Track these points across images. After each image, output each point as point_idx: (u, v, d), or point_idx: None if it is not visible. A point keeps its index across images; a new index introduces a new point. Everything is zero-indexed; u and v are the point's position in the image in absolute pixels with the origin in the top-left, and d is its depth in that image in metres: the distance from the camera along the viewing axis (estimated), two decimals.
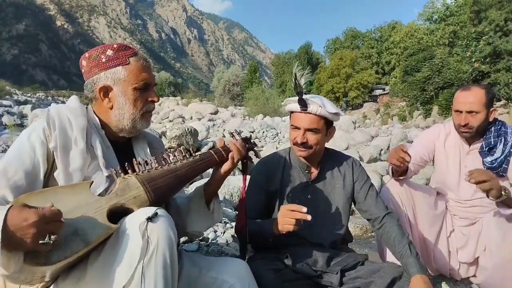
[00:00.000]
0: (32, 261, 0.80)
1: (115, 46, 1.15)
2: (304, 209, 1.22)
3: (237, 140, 1.27)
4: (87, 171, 1.07)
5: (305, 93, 1.46)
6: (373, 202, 1.53)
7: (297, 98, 1.42)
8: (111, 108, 1.15)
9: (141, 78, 1.15)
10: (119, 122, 1.16)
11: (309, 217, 1.21)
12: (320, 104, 1.41)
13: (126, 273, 0.86)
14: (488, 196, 1.55)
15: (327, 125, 1.48)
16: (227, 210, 3.23)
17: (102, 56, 1.13)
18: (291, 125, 1.50)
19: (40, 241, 0.78)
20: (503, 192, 1.52)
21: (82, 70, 1.17)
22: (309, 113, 1.42)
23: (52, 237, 0.79)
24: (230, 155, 1.20)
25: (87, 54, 1.16)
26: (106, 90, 1.14)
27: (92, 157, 1.09)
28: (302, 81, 1.43)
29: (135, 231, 0.88)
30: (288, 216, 1.25)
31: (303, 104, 1.41)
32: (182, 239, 2.21)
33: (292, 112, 1.49)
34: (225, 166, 1.21)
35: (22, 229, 0.75)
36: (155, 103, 1.21)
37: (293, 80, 1.42)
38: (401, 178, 1.82)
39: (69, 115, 1.09)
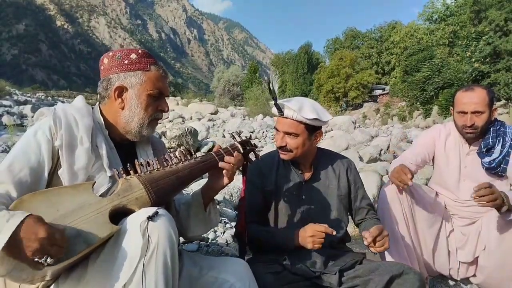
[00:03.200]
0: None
1: (140, 51, 1.19)
2: (330, 230, 1.32)
3: (236, 146, 1.26)
4: (91, 170, 1.08)
5: (304, 94, 1.48)
6: (365, 206, 1.62)
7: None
8: (122, 108, 1.17)
9: (157, 87, 1.18)
10: (127, 124, 1.18)
11: (335, 232, 1.33)
12: (294, 109, 1.41)
13: (127, 272, 0.87)
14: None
15: (309, 130, 1.47)
16: (227, 210, 3.24)
17: (125, 58, 1.16)
18: (274, 127, 1.55)
19: (36, 259, 0.79)
20: (505, 207, 1.55)
21: (101, 67, 1.19)
22: (286, 117, 1.45)
23: (49, 260, 0.80)
24: (224, 172, 1.18)
25: (110, 53, 1.19)
26: (121, 91, 1.16)
27: (97, 157, 1.10)
28: (276, 86, 1.47)
29: (136, 230, 0.89)
30: (318, 237, 1.32)
31: (279, 108, 1.45)
32: (182, 239, 2.22)
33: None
34: (223, 182, 1.20)
35: (29, 240, 0.78)
36: (164, 113, 1.24)
37: (268, 86, 1.48)
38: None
39: (75, 115, 1.11)
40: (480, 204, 1.54)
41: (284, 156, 1.51)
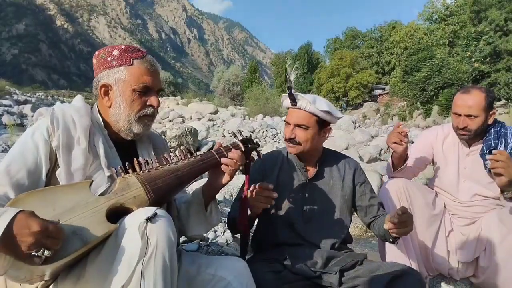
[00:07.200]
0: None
1: (122, 47, 1.17)
2: (270, 186, 1.29)
3: (237, 144, 1.24)
4: (89, 170, 1.07)
5: (305, 93, 1.48)
6: (375, 203, 1.59)
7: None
8: (110, 106, 1.16)
9: (142, 81, 1.14)
10: (116, 123, 1.17)
11: (275, 195, 1.29)
12: (310, 101, 1.42)
13: (125, 273, 0.86)
14: (500, 188, 1.59)
15: (319, 124, 1.48)
16: (227, 210, 3.23)
17: (108, 56, 1.15)
18: (284, 121, 1.52)
19: (33, 253, 0.79)
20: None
21: (94, 68, 1.19)
22: (298, 108, 1.45)
23: (46, 252, 0.80)
24: (223, 168, 1.16)
25: (97, 52, 1.19)
26: (106, 89, 1.15)
27: (95, 157, 1.09)
28: (292, 76, 1.47)
29: (134, 232, 0.88)
30: (258, 194, 1.30)
31: (293, 98, 1.44)
32: (182, 239, 2.21)
33: (288, 108, 1.52)
34: (224, 179, 1.19)
35: (22, 235, 0.77)
36: (155, 108, 1.19)
37: (284, 75, 1.47)
38: (401, 168, 1.82)
39: (73, 115, 1.10)
40: (494, 170, 1.54)
41: (292, 149, 1.50)
